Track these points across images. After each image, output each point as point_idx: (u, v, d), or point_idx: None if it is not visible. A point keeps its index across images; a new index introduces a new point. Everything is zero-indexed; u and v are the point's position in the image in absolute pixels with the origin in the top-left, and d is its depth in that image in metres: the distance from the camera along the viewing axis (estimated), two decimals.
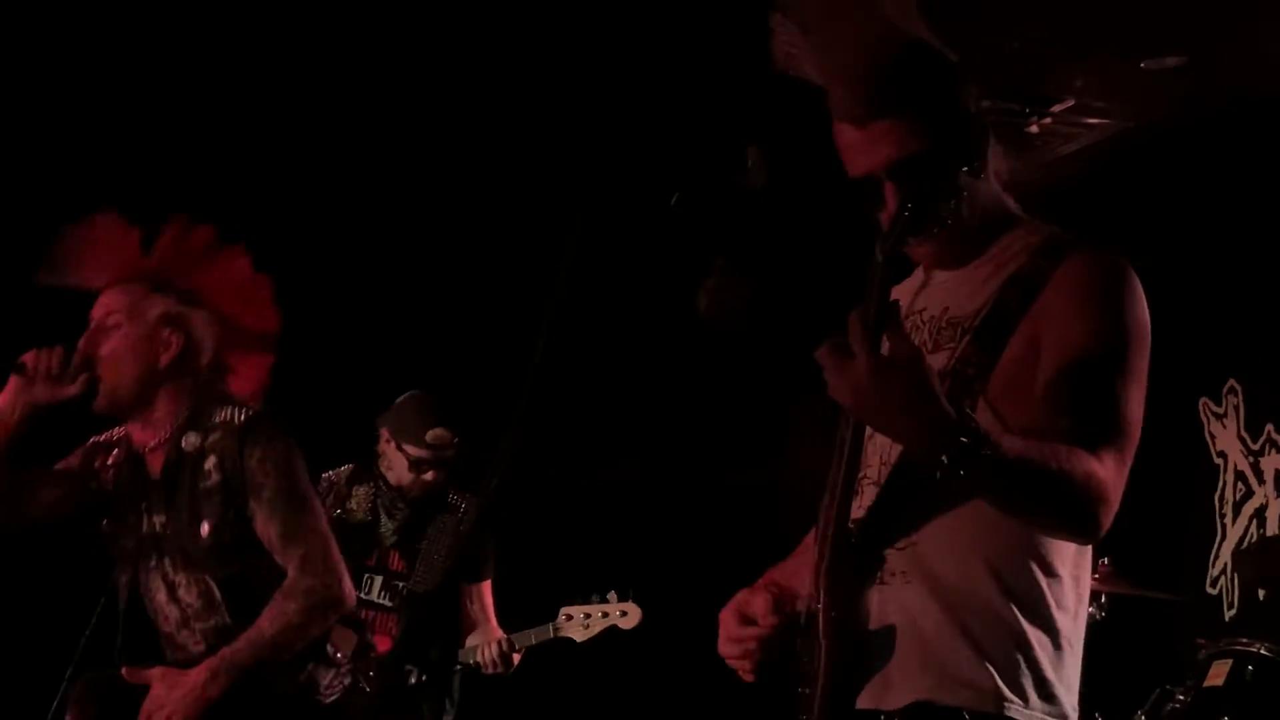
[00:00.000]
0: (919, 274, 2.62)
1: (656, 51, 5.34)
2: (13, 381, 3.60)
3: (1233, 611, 6.48)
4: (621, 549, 6.61)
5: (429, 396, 5.46)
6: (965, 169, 2.44)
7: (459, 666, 5.40)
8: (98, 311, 3.66)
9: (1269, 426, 6.47)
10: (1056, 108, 6.07)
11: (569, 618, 5.44)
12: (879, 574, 2.40)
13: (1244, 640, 5.04)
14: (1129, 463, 2.32)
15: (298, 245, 5.80)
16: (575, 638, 5.42)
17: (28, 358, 3.59)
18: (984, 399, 2.37)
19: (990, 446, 2.15)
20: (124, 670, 3.55)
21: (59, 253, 3.69)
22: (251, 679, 3.51)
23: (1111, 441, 2.29)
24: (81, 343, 3.61)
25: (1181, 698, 4.96)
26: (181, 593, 3.64)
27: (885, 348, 2.21)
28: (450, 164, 6.20)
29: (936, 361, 2.41)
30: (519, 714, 6.31)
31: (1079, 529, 2.31)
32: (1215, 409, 6.75)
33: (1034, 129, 6.19)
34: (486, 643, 5.34)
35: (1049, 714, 2.36)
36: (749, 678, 2.48)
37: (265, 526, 3.54)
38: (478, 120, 5.99)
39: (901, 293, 2.60)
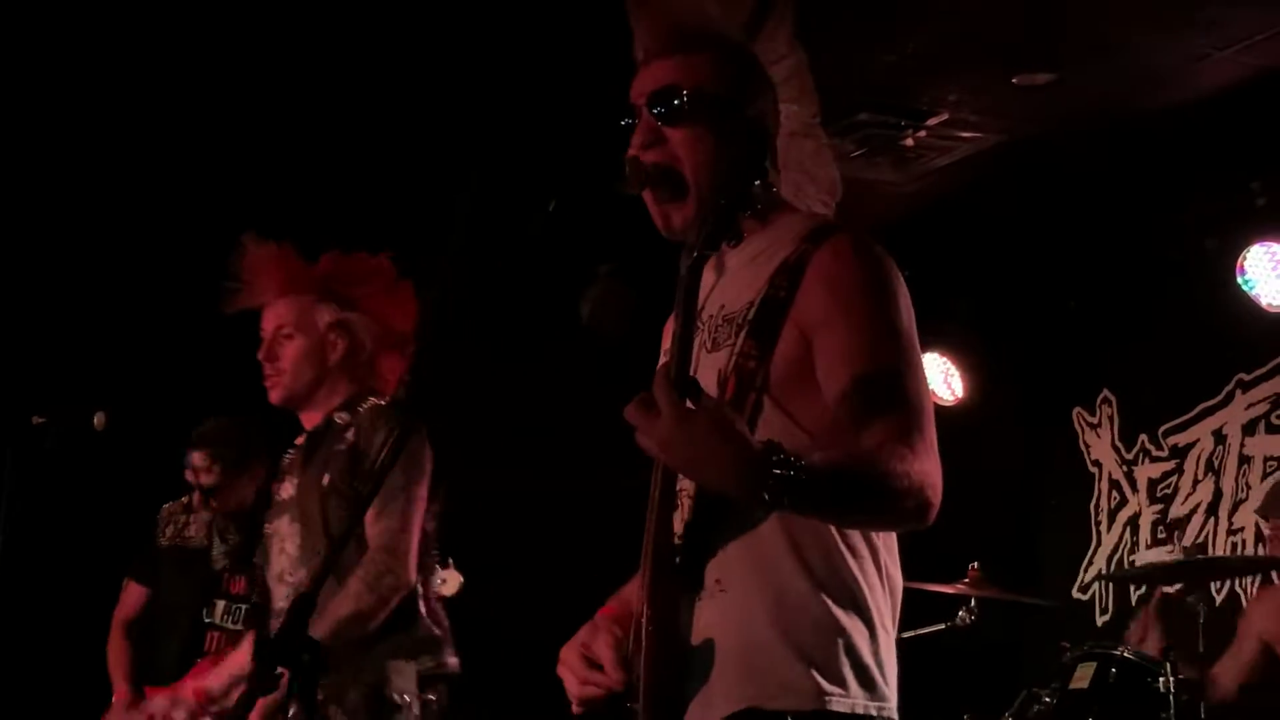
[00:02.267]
0: (706, 273, 2.55)
1: (530, 56, 5.36)
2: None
3: (1106, 617, 6.67)
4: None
5: (206, 423, 5.41)
6: (758, 182, 2.42)
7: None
8: (269, 323, 4.03)
9: (1142, 437, 6.65)
10: (931, 121, 6.11)
11: None
12: (699, 586, 2.39)
13: (1107, 643, 5.19)
14: (934, 437, 2.32)
15: None
16: None
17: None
18: (768, 396, 2.38)
19: (805, 471, 2.15)
20: None
21: (237, 278, 4.05)
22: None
23: (916, 429, 2.30)
24: (261, 354, 3.99)
25: (1047, 699, 5.05)
26: (288, 545, 3.88)
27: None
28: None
29: (719, 359, 2.43)
30: None
31: (913, 521, 2.31)
32: (1089, 419, 6.90)
33: (910, 141, 6.24)
34: None
35: (870, 699, 2.37)
36: (577, 709, 2.47)
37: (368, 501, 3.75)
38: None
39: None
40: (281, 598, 3.85)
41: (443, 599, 4.92)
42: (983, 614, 5.54)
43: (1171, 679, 4.78)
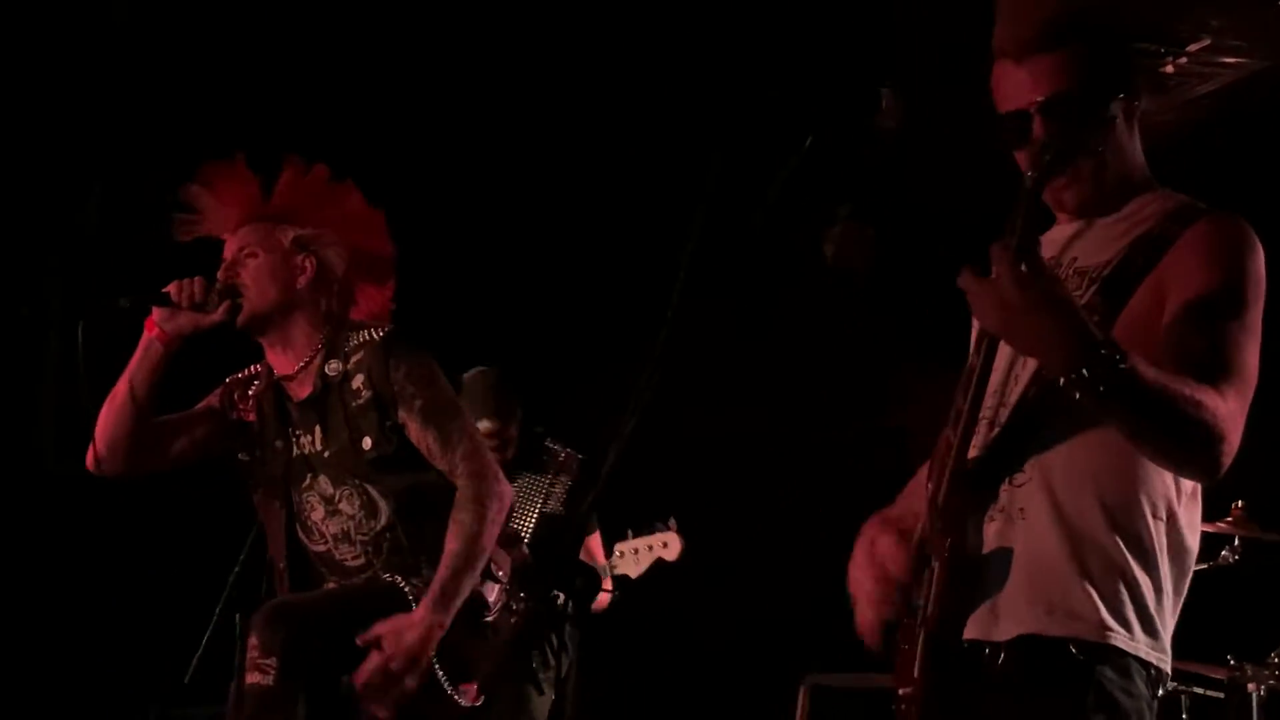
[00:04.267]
0: (1052, 231, 2.68)
1: None
2: (155, 315, 3.80)
3: None
4: (739, 498, 6.64)
5: (490, 378, 5.44)
6: (1121, 96, 2.52)
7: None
8: (230, 249, 3.87)
9: None
10: (1193, 47, 5.94)
11: (621, 555, 5.43)
12: (992, 508, 2.47)
13: None
14: (1248, 401, 2.39)
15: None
16: (630, 574, 5.41)
17: (170, 288, 3.80)
18: None
19: (1130, 365, 2.21)
20: (357, 639, 3.71)
21: (189, 205, 3.90)
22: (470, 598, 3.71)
23: (1233, 383, 2.35)
24: (221, 274, 3.82)
25: None
26: (343, 505, 3.83)
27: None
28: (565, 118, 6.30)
29: None
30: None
31: (1201, 461, 2.35)
32: None
33: (1170, 69, 6.05)
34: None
35: (1153, 647, 2.44)
36: (871, 637, 2.55)
37: (421, 436, 3.73)
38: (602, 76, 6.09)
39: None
40: (353, 556, 3.82)
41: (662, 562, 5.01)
42: (1248, 554, 5.37)
43: None
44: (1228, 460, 2.35)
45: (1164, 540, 2.48)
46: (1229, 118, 6.40)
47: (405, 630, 3.62)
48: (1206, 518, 5.23)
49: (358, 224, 3.95)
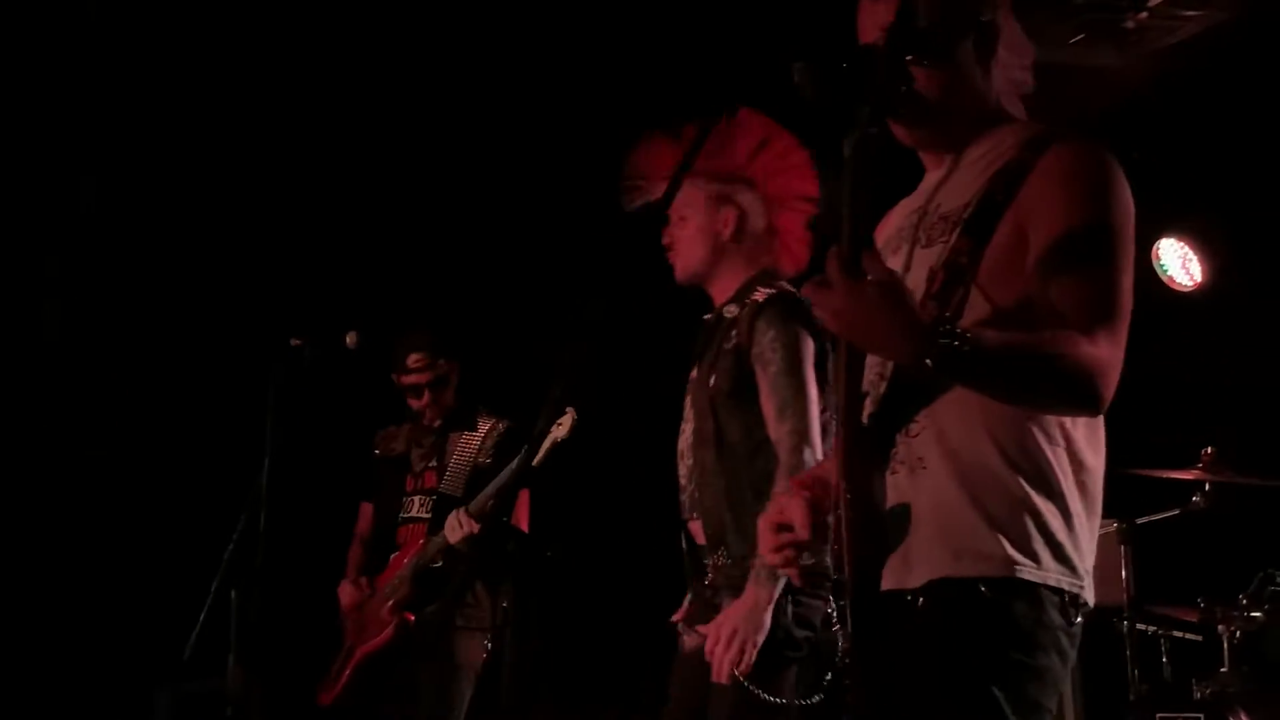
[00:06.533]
0: (924, 179, 2.74)
1: None
2: None
3: None
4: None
5: (413, 328, 5.67)
6: (974, 30, 2.60)
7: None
8: (672, 210, 4.08)
9: None
10: (1153, 1, 6.02)
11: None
12: (893, 461, 2.52)
13: None
14: (1123, 336, 2.42)
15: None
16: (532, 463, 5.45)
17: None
18: (976, 285, 2.48)
19: (969, 343, 2.27)
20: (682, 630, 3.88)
21: (632, 174, 4.10)
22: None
23: (1103, 321, 2.39)
24: (665, 240, 4.09)
25: None
26: (687, 429, 4.01)
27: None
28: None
29: (930, 256, 2.56)
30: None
31: (1079, 405, 2.42)
32: None
33: (1131, 24, 6.15)
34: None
35: (1062, 574, 2.46)
36: (798, 581, 2.64)
37: (766, 400, 3.84)
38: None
39: (904, 202, 2.76)
40: (682, 474, 3.97)
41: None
42: (1218, 498, 5.44)
43: None
44: (1107, 395, 2.39)
45: (1065, 465, 2.50)
46: (1191, 69, 6.48)
47: (732, 612, 3.70)
48: (1177, 465, 5.42)
49: (779, 166, 4.12)
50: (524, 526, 5.37)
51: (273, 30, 5.92)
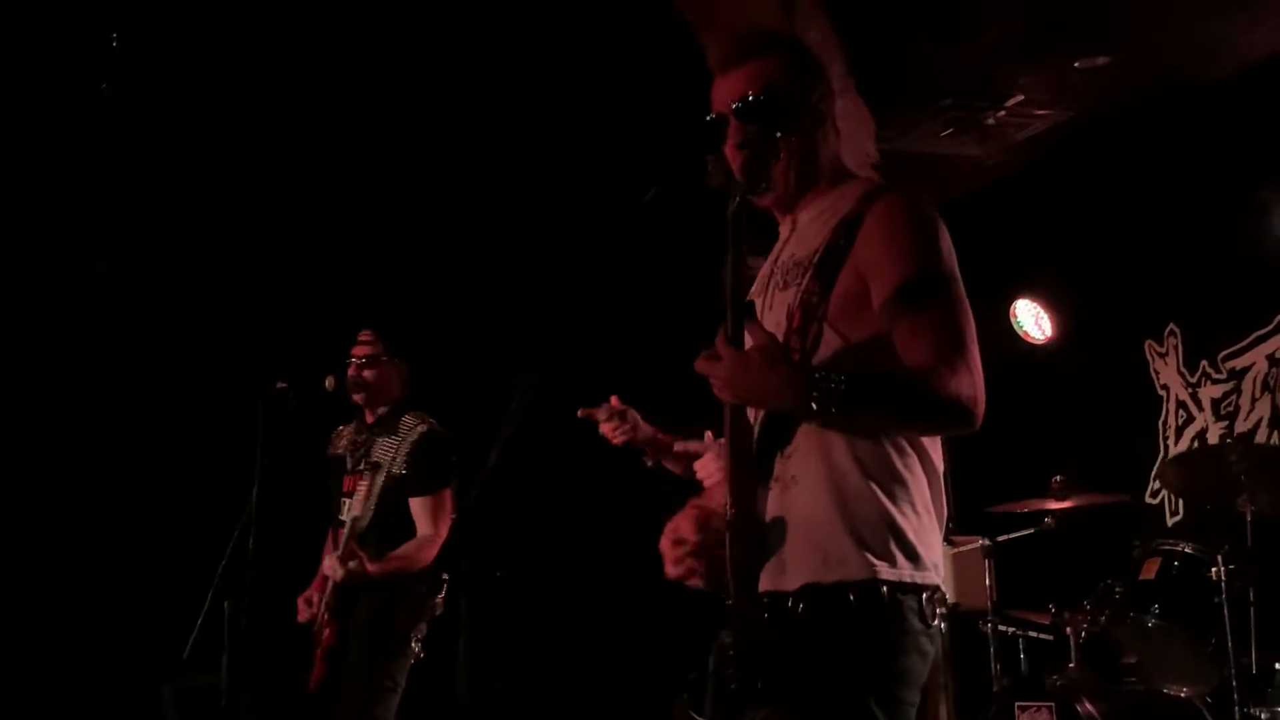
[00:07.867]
0: (782, 230, 2.91)
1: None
2: None
3: (1176, 518, 6.91)
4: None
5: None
6: (813, 98, 2.78)
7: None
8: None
9: (1203, 363, 6.91)
10: (1010, 102, 6.46)
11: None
12: (771, 479, 2.67)
13: (1171, 540, 5.46)
14: (976, 357, 2.57)
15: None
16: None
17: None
18: (827, 323, 2.64)
19: (846, 384, 2.46)
20: None
21: None
22: None
23: (958, 353, 2.55)
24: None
25: (1120, 589, 5.42)
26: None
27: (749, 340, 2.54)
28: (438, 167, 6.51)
29: (788, 297, 2.72)
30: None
31: (954, 427, 2.58)
32: (1158, 349, 7.16)
33: (991, 120, 6.57)
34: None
35: (916, 568, 2.61)
36: (699, 585, 2.70)
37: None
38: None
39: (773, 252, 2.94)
40: None
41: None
42: (1066, 519, 5.81)
43: (1224, 569, 5.06)
44: (980, 412, 2.53)
45: (917, 471, 2.64)
46: (1042, 157, 7.05)
47: None
48: (1030, 495, 5.86)
49: None
50: (440, 531, 5.32)
51: (247, 99, 6.02)
